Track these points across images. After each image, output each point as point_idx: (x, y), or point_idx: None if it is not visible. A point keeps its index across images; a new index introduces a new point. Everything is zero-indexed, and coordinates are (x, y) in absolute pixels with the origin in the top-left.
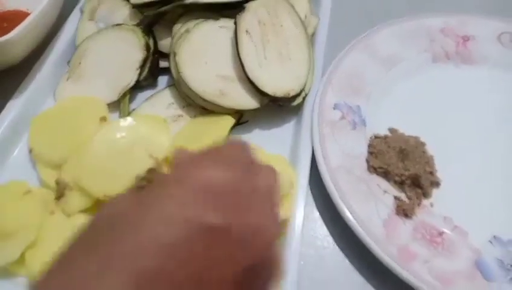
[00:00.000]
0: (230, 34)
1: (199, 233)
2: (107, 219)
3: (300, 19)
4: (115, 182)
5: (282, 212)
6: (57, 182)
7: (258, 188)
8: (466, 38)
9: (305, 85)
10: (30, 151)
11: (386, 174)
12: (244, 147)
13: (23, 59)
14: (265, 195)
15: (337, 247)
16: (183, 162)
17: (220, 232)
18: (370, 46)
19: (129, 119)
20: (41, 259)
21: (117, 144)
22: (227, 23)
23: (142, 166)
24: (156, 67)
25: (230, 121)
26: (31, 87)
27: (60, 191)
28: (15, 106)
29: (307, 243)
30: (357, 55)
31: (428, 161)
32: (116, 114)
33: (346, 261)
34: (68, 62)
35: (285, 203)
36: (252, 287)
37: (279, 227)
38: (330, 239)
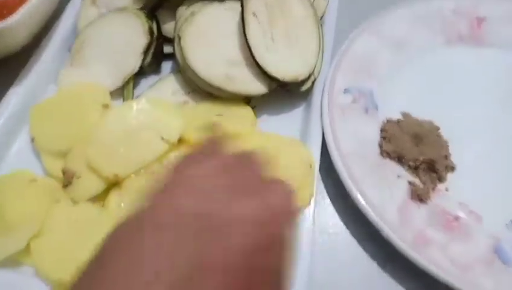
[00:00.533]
0: (237, 16)
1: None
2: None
3: (309, 1)
4: (126, 163)
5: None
6: (64, 171)
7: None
8: (480, 20)
9: (314, 69)
10: (32, 140)
11: (399, 159)
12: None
13: (23, 46)
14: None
15: (349, 234)
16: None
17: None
18: (381, 29)
19: (143, 100)
20: (47, 248)
21: (129, 125)
22: (233, 6)
23: (153, 148)
24: (160, 53)
25: (250, 114)
26: (32, 75)
27: (67, 180)
28: (16, 94)
29: (319, 231)
30: (368, 38)
31: (443, 145)
32: (120, 101)
33: (360, 248)
34: (69, 49)
35: (302, 189)
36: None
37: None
38: (342, 226)
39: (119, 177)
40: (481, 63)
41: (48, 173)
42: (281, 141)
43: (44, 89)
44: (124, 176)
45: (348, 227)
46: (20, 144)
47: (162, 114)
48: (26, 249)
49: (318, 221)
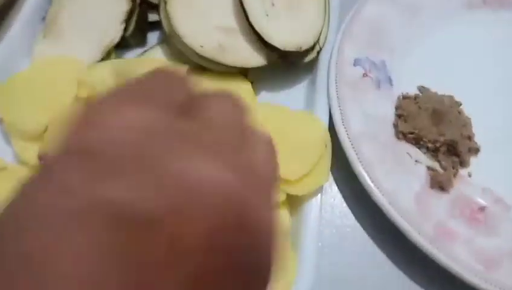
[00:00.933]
0: None
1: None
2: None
3: None
4: None
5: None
6: (40, 157)
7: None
8: None
9: (319, 37)
10: (0, 121)
11: (417, 141)
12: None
13: None
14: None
15: (359, 225)
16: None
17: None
18: None
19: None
20: None
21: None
22: None
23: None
24: (144, 21)
25: (248, 88)
26: (1, 49)
27: None
28: None
29: (326, 222)
30: (380, 1)
31: (465, 124)
32: None
33: (371, 241)
34: (43, 18)
35: (315, 173)
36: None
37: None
38: (351, 217)
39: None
40: (508, 30)
41: (19, 160)
42: (289, 115)
43: (16, 65)
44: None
45: (358, 218)
46: None
47: None
48: None
49: (325, 210)
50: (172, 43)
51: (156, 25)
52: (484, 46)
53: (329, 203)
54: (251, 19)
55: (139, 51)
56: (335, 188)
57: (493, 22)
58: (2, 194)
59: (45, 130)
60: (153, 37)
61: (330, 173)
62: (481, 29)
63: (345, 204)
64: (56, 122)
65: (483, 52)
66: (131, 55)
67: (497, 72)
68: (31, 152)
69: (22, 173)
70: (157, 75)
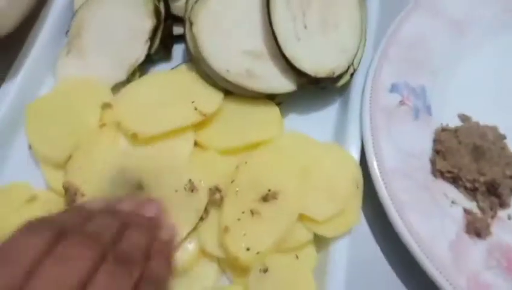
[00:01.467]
0: None
1: None
2: None
3: None
4: (151, 123)
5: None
6: (65, 187)
7: None
8: None
9: (354, 59)
10: (29, 147)
11: (455, 180)
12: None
13: (12, 30)
14: None
15: (390, 269)
16: None
17: None
18: (438, 5)
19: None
20: None
21: (165, 90)
22: None
23: (185, 116)
24: (169, 37)
25: (275, 113)
26: (26, 66)
27: (70, 197)
28: (9, 91)
29: (353, 264)
30: (421, 17)
31: (509, 162)
32: None
33: (402, 287)
34: (66, 32)
35: (345, 214)
36: None
37: None
38: (382, 257)
39: (138, 137)
40: None
41: (49, 186)
42: (318, 148)
43: (40, 81)
44: (143, 136)
45: (388, 260)
46: (19, 148)
47: (200, 87)
48: None
49: (352, 252)
50: (199, 65)
51: (182, 38)
52: None
53: (359, 245)
54: (280, 43)
55: (164, 66)
56: (365, 225)
57: None
58: None
59: (69, 158)
60: (178, 50)
61: (361, 210)
62: None
63: (375, 242)
64: (79, 150)
65: None
66: (156, 71)
67: None
68: (60, 179)
69: (52, 202)
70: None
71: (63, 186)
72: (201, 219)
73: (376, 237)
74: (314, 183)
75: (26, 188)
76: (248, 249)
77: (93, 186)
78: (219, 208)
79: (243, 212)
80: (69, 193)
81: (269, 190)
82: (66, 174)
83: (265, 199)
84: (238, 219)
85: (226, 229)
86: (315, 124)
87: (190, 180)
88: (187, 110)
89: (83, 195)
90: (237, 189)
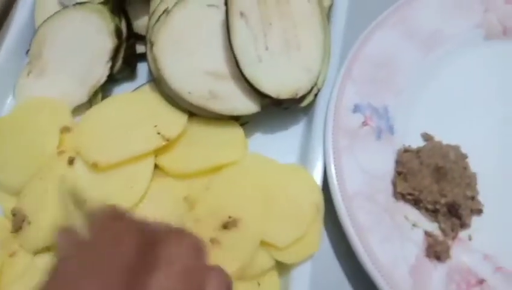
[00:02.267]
0: (222, 15)
1: None
2: None
3: None
4: (112, 151)
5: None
6: (14, 213)
7: None
8: None
9: (317, 79)
10: None
11: (416, 202)
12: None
13: None
14: None
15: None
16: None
17: None
18: (404, 22)
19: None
20: None
21: (128, 113)
22: (218, 0)
23: (147, 141)
24: (132, 56)
25: (239, 135)
26: None
27: (17, 224)
28: None
29: (316, 283)
30: (387, 34)
31: (470, 182)
32: None
33: None
34: (27, 52)
35: (305, 239)
36: None
37: None
38: (344, 280)
39: (98, 166)
40: None
41: (4, 213)
42: (280, 170)
43: (0, 102)
44: (104, 165)
45: (351, 284)
46: None
47: (164, 109)
48: None
49: (316, 273)
50: (160, 86)
51: (146, 56)
52: (502, 83)
53: (321, 263)
54: (241, 65)
55: (128, 85)
56: (329, 247)
57: None
58: None
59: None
60: (143, 68)
61: (325, 229)
62: (499, 64)
63: (338, 264)
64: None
65: (502, 91)
66: (120, 90)
67: (509, 119)
68: (12, 205)
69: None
70: (103, 232)
71: (11, 211)
72: None
73: (340, 260)
74: (275, 208)
75: None
76: None
77: (43, 215)
78: None
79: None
80: (16, 219)
81: (230, 217)
82: (18, 200)
83: (225, 226)
84: None
85: None
86: (280, 144)
87: None
88: (149, 135)
89: (29, 223)
90: (197, 218)
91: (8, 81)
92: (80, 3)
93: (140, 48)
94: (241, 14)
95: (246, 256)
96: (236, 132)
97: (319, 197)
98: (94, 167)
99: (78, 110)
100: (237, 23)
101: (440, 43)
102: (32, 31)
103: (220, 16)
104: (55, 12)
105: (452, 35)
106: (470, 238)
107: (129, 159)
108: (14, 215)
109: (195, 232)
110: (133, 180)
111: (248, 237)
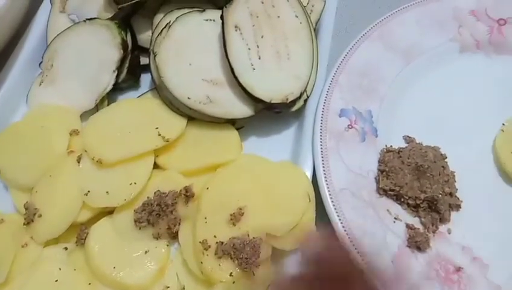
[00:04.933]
0: (219, 28)
1: None
2: None
3: (301, 5)
4: (115, 149)
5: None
6: (26, 207)
7: None
8: (502, 23)
9: (306, 86)
10: None
11: (397, 197)
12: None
13: None
14: None
15: None
16: None
17: None
18: (386, 35)
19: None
20: None
21: (131, 117)
22: (214, 15)
23: (148, 141)
24: (136, 66)
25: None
26: (0, 95)
27: (29, 217)
28: None
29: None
30: (371, 46)
31: (448, 180)
32: None
33: None
34: (40, 64)
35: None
36: None
37: None
38: None
39: (103, 163)
40: (502, 76)
41: (17, 209)
42: (273, 167)
43: (14, 109)
44: (108, 162)
45: None
46: None
47: (164, 113)
48: None
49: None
50: (162, 93)
51: (149, 67)
52: (475, 92)
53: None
54: (236, 73)
55: (132, 93)
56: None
57: (486, 67)
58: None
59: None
60: (146, 78)
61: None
62: (473, 75)
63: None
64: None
65: (475, 99)
66: (124, 98)
67: (488, 122)
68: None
69: (17, 224)
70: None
71: (24, 206)
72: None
73: None
74: (270, 200)
75: None
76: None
77: (53, 209)
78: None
79: (215, 236)
80: (29, 212)
81: (239, 208)
82: (30, 196)
83: (232, 219)
84: (209, 246)
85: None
86: (273, 146)
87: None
88: (151, 136)
89: (40, 216)
90: (205, 217)
91: (21, 91)
92: (90, 19)
93: (143, 60)
94: (236, 27)
95: None
96: (232, 133)
97: (309, 188)
98: (99, 163)
99: (86, 116)
100: (232, 35)
101: (418, 54)
102: (45, 45)
103: (216, 29)
104: (67, 28)
105: (429, 48)
106: (449, 232)
107: (131, 158)
108: (26, 209)
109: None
110: (134, 176)
111: (253, 227)
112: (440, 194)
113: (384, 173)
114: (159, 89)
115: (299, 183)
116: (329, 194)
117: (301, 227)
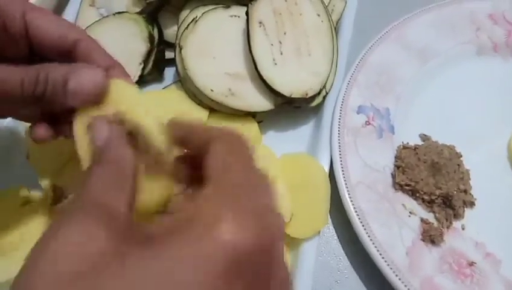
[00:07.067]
0: (243, 24)
1: None
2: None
3: (323, 4)
4: None
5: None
6: (53, 189)
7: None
8: None
9: (326, 83)
10: (27, 157)
11: (413, 192)
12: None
13: None
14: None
15: (353, 270)
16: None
17: None
18: (404, 36)
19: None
20: None
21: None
22: (239, 12)
23: None
24: (161, 60)
25: (255, 130)
26: None
27: (56, 198)
28: None
29: (320, 264)
30: (388, 46)
31: (463, 177)
32: None
33: (363, 287)
34: None
35: (315, 217)
36: None
37: None
38: (346, 262)
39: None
40: None
41: (45, 192)
42: (292, 157)
43: None
44: None
45: (352, 263)
46: (18, 157)
47: (188, 105)
48: None
49: (320, 251)
50: (186, 85)
51: (173, 61)
52: (492, 94)
53: (325, 246)
54: (259, 67)
55: (155, 86)
56: (332, 230)
57: (503, 70)
58: (26, 225)
59: (63, 169)
60: (169, 72)
61: (329, 215)
62: (490, 77)
63: (340, 247)
64: (73, 160)
65: (491, 101)
66: (149, 90)
67: (504, 123)
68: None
69: (44, 205)
70: None
71: (51, 188)
72: None
73: (342, 243)
74: (290, 189)
75: (23, 192)
76: None
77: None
78: None
79: None
80: (56, 194)
81: None
82: (57, 179)
83: None
84: None
85: None
86: (291, 140)
87: None
88: None
89: (66, 197)
90: None
91: None
92: (118, 13)
93: (168, 54)
94: (260, 23)
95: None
96: (252, 126)
97: (326, 180)
98: None
99: None
100: (257, 31)
101: (435, 56)
102: None
103: (240, 24)
104: (95, 21)
105: (446, 50)
106: (463, 228)
107: None
108: (53, 191)
109: None
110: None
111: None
112: (455, 191)
113: (400, 168)
114: (183, 82)
115: (316, 175)
116: (346, 187)
117: (316, 216)
